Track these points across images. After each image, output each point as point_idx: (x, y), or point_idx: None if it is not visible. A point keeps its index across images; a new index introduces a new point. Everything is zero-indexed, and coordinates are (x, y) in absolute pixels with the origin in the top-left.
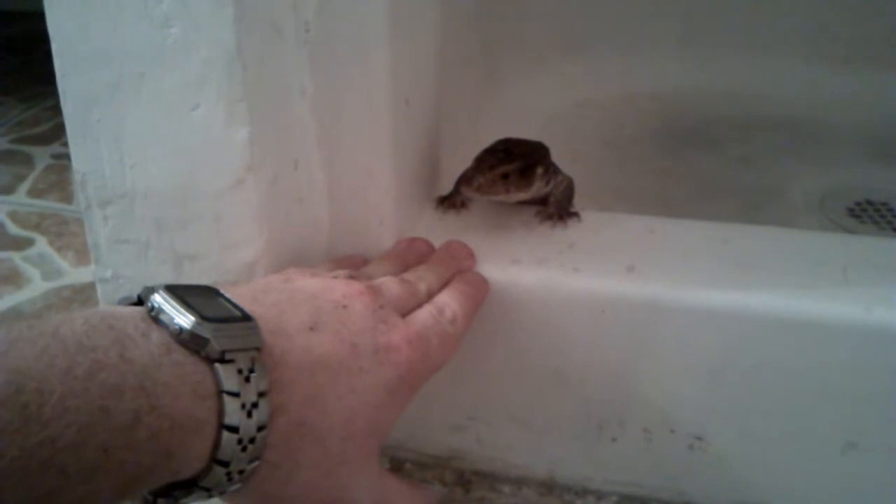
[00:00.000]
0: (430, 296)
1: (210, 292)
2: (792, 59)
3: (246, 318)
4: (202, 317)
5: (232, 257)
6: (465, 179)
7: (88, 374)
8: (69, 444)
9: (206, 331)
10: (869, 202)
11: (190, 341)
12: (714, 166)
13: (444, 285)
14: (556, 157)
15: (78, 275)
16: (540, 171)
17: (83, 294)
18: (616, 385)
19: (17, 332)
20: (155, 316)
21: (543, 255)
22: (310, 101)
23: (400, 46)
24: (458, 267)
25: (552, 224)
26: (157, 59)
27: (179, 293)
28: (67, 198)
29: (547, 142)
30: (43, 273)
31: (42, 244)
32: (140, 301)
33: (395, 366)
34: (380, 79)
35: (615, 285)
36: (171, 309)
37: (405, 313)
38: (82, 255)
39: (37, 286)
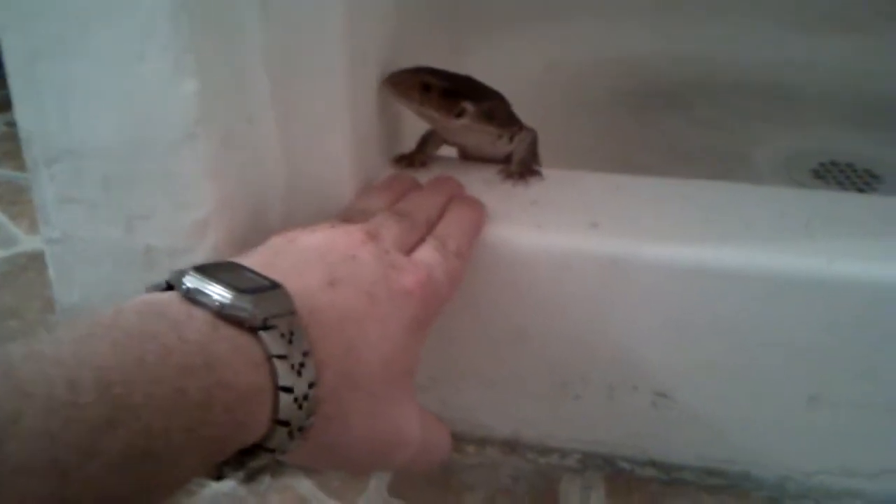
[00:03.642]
0: (430, 225)
1: (234, 267)
2: (760, 23)
3: (275, 285)
4: (238, 290)
5: (184, 216)
6: (387, 75)
7: (160, 360)
8: (160, 430)
9: (246, 302)
10: (833, 163)
11: (232, 315)
12: (682, 129)
13: (441, 212)
14: (526, 120)
15: (32, 242)
16: (470, 107)
17: (38, 262)
18: (579, 342)
19: (82, 330)
20: (192, 297)
21: (505, 212)
22: (262, 55)
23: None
24: (451, 192)
25: (514, 182)
26: (100, 8)
27: (209, 272)
28: (22, 166)
29: (517, 105)
30: None
31: None
32: (169, 286)
33: (411, 307)
34: (335, 32)
35: (577, 241)
36: (207, 287)
37: (409, 249)
38: (37, 223)
39: None
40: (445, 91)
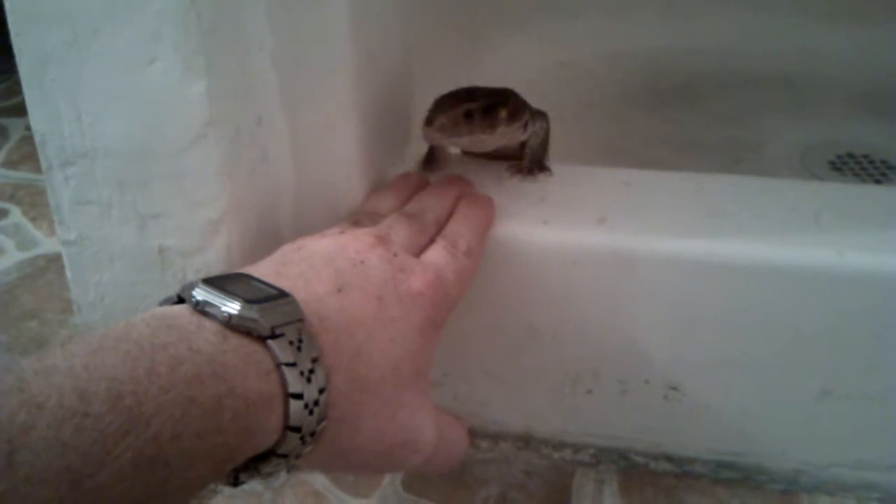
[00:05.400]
0: (439, 225)
1: (243, 278)
2: (772, 14)
3: (283, 294)
4: (246, 300)
5: (196, 216)
6: (425, 121)
7: (170, 370)
8: (170, 437)
9: (253, 312)
10: (850, 155)
11: (241, 325)
12: (696, 123)
13: (450, 212)
14: None
15: (52, 244)
16: (504, 113)
17: (57, 263)
18: (590, 337)
19: (94, 343)
20: (202, 309)
21: (514, 209)
22: (270, 54)
23: None
24: (459, 191)
25: (522, 178)
26: (110, 12)
27: (218, 284)
28: (41, 168)
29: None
30: (17, 243)
31: (16, 214)
32: (180, 300)
33: (421, 309)
34: (339, 29)
35: (585, 237)
36: (216, 299)
37: (419, 251)
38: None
39: (11, 256)
40: (484, 110)
